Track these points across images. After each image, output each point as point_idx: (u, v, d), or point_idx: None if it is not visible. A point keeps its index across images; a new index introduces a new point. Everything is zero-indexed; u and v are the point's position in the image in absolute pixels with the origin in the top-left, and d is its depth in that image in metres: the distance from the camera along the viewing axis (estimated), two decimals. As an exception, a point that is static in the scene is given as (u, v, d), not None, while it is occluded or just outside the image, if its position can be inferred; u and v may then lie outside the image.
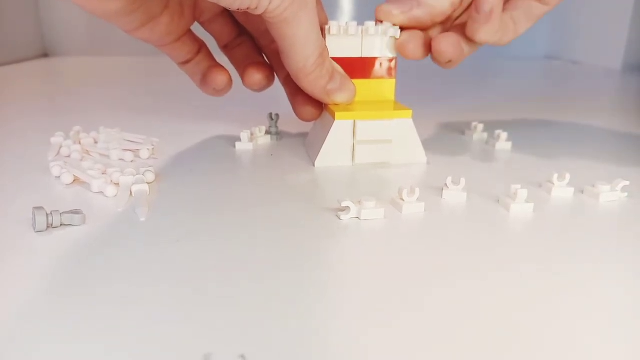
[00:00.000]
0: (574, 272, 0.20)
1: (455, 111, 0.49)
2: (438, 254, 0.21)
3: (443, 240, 0.22)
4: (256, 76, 0.34)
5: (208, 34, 0.36)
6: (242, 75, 0.35)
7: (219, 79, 0.34)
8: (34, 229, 0.22)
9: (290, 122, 0.38)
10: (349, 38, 0.33)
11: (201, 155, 0.34)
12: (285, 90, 0.36)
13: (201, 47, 0.35)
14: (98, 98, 0.57)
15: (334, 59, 0.32)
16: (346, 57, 0.33)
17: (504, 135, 0.37)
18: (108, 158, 0.33)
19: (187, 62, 0.34)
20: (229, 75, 0.34)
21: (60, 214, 0.22)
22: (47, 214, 0.22)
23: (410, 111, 0.32)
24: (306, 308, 0.17)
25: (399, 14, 0.32)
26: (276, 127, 0.38)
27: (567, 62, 0.94)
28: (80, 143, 0.35)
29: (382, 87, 0.34)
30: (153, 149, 0.34)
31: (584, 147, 0.37)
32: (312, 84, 0.31)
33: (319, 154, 0.32)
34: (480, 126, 0.39)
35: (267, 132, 0.38)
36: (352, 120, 0.31)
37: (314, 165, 0.32)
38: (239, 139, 0.36)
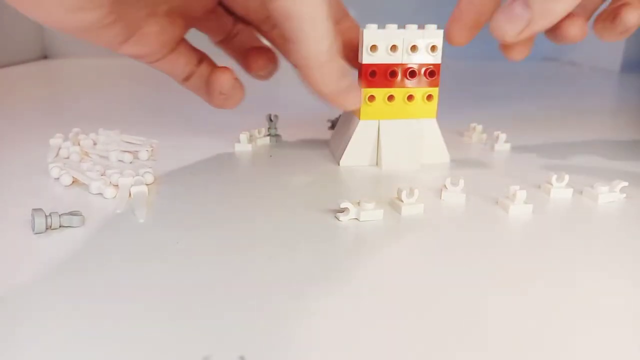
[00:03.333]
0: (573, 273, 0.20)
1: (453, 112, 0.49)
2: (437, 256, 0.21)
3: (442, 241, 0.22)
4: (259, 61, 0.32)
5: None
6: (244, 62, 0.32)
7: (222, 78, 0.31)
8: (33, 230, 0.22)
9: (290, 123, 0.38)
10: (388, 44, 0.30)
11: (200, 156, 0.34)
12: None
13: (202, 58, 0.32)
14: (97, 99, 0.57)
15: (368, 65, 0.31)
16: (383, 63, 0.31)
17: (502, 136, 0.37)
18: (107, 159, 0.33)
19: (188, 77, 0.32)
20: (234, 74, 0.31)
21: (59, 215, 0.22)
22: (45, 216, 0.22)
23: (435, 111, 0.32)
24: (305, 309, 0.17)
25: (517, 34, 0.26)
26: (275, 128, 0.38)
27: (565, 63, 0.94)
28: (79, 144, 0.35)
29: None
30: (152, 150, 0.34)
31: (582, 148, 0.37)
32: (325, 76, 0.26)
33: (344, 153, 0.32)
34: (479, 127, 0.39)
35: (267, 134, 0.38)
36: (377, 121, 0.32)
37: (338, 165, 0.32)
38: (238, 140, 0.36)
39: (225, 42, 0.34)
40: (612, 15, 0.27)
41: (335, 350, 0.15)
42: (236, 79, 0.32)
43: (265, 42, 0.35)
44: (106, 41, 0.26)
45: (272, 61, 0.33)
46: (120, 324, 0.16)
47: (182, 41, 0.31)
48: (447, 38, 0.31)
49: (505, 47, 0.30)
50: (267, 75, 0.33)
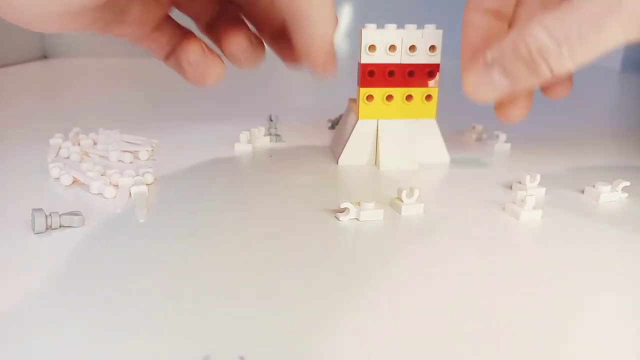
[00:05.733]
0: (574, 271, 0.20)
1: (453, 112, 0.48)
2: (438, 255, 0.21)
3: (442, 241, 0.22)
4: (241, 41, 0.28)
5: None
6: (222, 44, 0.29)
7: (189, 46, 0.28)
8: (33, 230, 0.22)
9: (290, 123, 0.38)
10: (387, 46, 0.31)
11: (200, 156, 0.34)
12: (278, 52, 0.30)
13: (186, 36, 0.30)
14: (97, 99, 0.57)
15: (366, 65, 0.31)
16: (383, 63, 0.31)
17: (502, 136, 0.37)
18: (107, 159, 0.33)
19: (169, 55, 0.30)
20: (203, 43, 0.29)
21: (60, 215, 0.22)
22: (46, 216, 0.22)
23: (434, 111, 0.32)
24: (306, 309, 0.17)
25: (493, 98, 0.25)
26: (275, 128, 0.38)
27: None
28: (79, 144, 0.35)
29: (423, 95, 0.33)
30: (152, 150, 0.34)
31: (583, 147, 0.37)
32: (326, 56, 0.26)
33: (342, 153, 0.32)
34: (479, 127, 0.39)
35: (267, 134, 0.38)
36: (376, 120, 0.32)
37: (337, 163, 0.33)
38: (238, 140, 0.36)
39: (210, 28, 0.31)
40: None
41: (336, 350, 0.15)
42: (208, 50, 0.29)
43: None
44: (89, 29, 0.25)
45: (256, 45, 0.29)
46: (120, 324, 0.16)
47: (166, 19, 0.29)
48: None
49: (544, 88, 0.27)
50: (247, 63, 0.29)
